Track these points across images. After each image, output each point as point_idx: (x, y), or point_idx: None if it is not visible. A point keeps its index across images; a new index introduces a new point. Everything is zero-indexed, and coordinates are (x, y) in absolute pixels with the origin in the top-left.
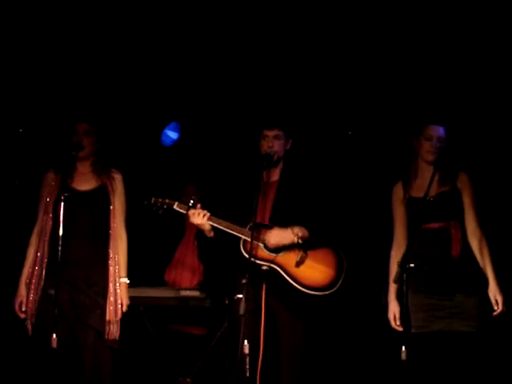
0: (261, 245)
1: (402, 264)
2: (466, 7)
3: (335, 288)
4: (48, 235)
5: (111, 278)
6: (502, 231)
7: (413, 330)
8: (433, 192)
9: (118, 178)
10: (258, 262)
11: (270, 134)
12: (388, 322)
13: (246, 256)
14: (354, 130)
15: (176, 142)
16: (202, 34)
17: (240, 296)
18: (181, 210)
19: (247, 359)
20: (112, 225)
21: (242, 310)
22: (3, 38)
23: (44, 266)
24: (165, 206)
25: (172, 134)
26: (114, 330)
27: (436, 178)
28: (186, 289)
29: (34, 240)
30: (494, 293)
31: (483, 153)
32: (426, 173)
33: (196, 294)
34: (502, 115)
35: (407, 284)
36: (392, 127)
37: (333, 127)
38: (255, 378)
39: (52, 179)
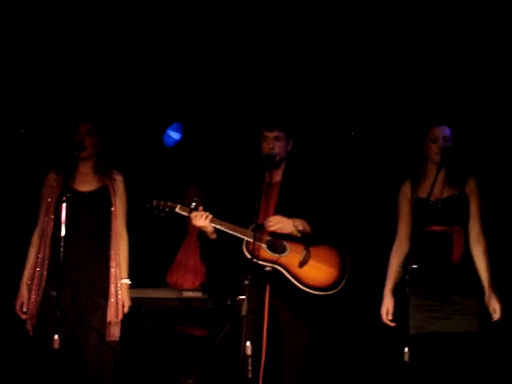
0: (263, 246)
1: (405, 265)
2: (472, 8)
3: (339, 288)
4: (49, 236)
5: (112, 280)
6: (503, 231)
7: (411, 331)
8: (442, 194)
9: (119, 179)
10: (260, 262)
11: (271, 135)
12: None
13: (249, 257)
14: (357, 130)
15: (178, 143)
16: (204, 35)
17: (242, 297)
18: (183, 213)
19: (249, 360)
20: (113, 226)
21: (244, 311)
22: (5, 38)
23: (45, 267)
24: (167, 209)
25: (174, 135)
26: (114, 332)
27: (445, 178)
28: (188, 290)
29: (35, 241)
30: (491, 301)
31: (493, 156)
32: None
33: (198, 295)
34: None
35: (409, 285)
36: (394, 127)
37: (335, 128)
38: (258, 380)
39: (53, 180)
